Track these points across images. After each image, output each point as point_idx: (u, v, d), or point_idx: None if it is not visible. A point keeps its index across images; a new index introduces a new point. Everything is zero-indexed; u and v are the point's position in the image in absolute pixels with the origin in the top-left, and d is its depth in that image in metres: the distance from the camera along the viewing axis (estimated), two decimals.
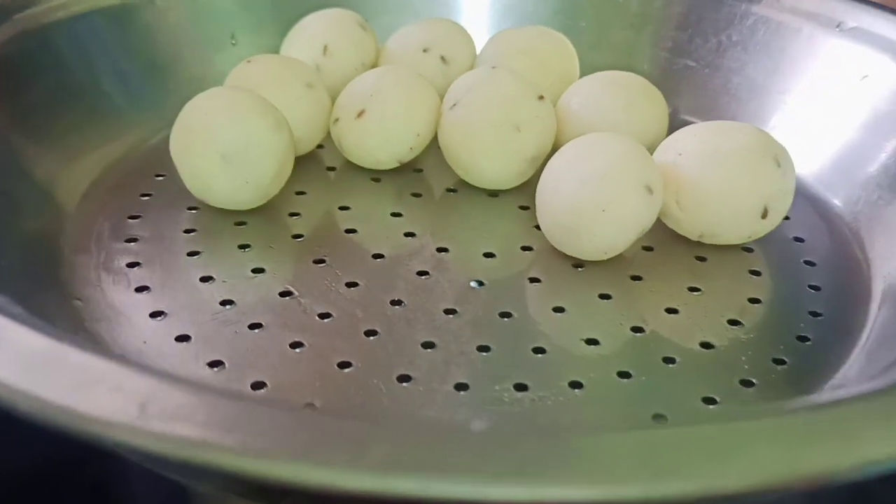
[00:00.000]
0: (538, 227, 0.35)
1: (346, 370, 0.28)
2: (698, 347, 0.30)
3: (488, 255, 0.35)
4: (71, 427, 0.17)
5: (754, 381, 0.29)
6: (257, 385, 0.27)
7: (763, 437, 0.17)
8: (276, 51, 0.45)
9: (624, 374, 0.29)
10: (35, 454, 0.30)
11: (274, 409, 0.17)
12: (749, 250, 0.36)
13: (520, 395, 0.28)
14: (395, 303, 0.32)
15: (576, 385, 0.28)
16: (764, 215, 0.34)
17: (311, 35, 0.43)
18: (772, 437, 0.17)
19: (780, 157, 0.33)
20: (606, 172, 0.32)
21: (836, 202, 0.38)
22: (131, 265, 0.33)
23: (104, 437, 0.17)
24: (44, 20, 0.39)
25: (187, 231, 0.35)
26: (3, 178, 0.33)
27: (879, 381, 0.21)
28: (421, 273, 0.33)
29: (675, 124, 0.40)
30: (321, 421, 0.17)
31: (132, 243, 0.34)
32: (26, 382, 0.18)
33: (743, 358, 0.30)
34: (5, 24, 0.37)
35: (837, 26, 0.41)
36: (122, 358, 0.19)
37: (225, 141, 0.34)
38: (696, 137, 0.34)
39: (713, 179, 0.33)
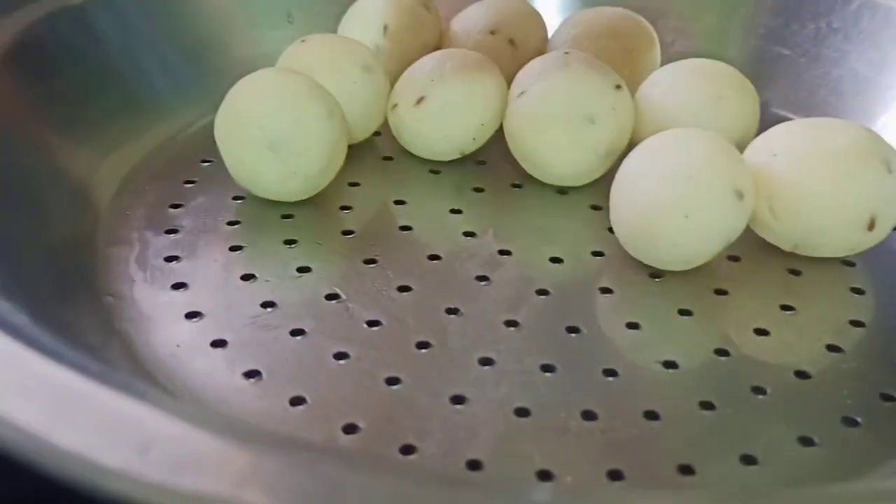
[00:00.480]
0: (611, 231, 0.32)
1: (394, 387, 0.26)
2: (792, 376, 0.27)
3: (555, 259, 0.32)
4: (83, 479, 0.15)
5: (859, 419, 0.25)
6: (296, 400, 0.25)
7: None
8: (334, 31, 0.42)
9: (707, 405, 0.25)
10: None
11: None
12: (850, 264, 0.32)
13: (588, 424, 0.25)
14: (450, 311, 0.29)
15: (651, 416, 0.25)
16: (870, 226, 0.30)
17: (370, 14, 0.41)
18: None
19: (890, 161, 0.30)
20: (691, 174, 0.29)
21: None
22: (169, 259, 0.30)
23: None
24: None
25: (231, 223, 0.33)
26: (35, 166, 0.31)
27: None
28: (480, 278, 0.30)
29: (766, 118, 0.37)
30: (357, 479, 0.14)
31: (172, 234, 0.32)
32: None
33: (845, 391, 0.26)
34: (37, 2, 0.35)
35: None
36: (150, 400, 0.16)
37: (273, 128, 0.31)
38: (793, 136, 0.31)
39: (812, 184, 0.29)
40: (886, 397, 0.26)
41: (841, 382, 0.26)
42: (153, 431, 0.14)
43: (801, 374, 0.27)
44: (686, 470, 0.23)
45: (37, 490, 0.17)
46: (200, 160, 0.37)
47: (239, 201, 0.34)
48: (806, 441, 0.24)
